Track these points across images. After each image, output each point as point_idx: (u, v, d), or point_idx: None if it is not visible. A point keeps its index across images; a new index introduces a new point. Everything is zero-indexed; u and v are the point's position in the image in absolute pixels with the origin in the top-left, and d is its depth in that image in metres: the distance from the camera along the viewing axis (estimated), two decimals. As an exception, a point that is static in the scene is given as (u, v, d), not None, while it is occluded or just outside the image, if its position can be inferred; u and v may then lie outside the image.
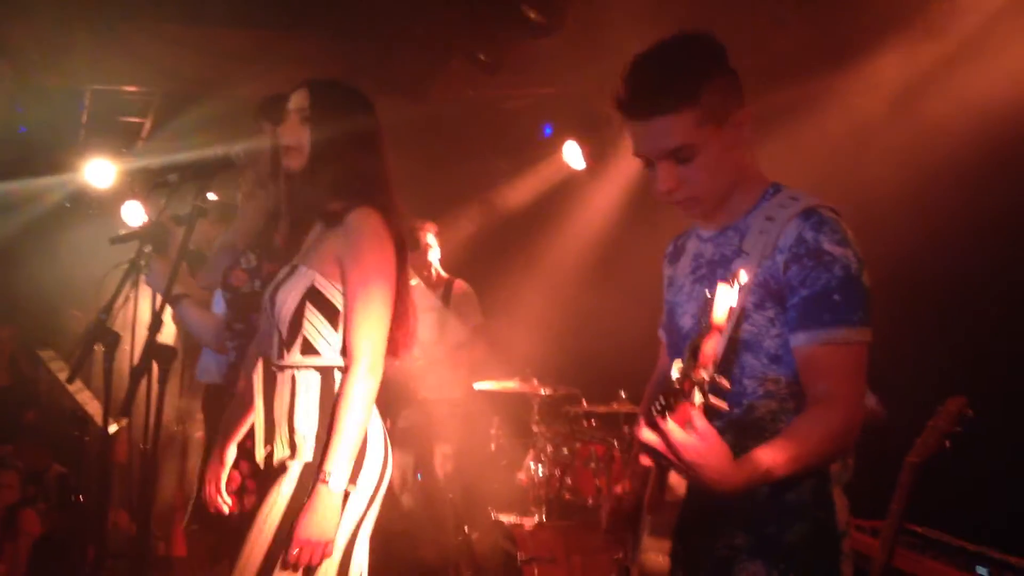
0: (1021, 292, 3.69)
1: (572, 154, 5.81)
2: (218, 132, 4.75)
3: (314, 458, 2.31)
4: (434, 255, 5.36)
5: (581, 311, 5.41)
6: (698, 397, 1.60)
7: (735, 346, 1.88)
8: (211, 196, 2.87)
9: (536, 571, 4.11)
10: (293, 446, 2.36)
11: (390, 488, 5.43)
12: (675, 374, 1.61)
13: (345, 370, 2.34)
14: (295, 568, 2.22)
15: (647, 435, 1.66)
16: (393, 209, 2.47)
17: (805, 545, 1.84)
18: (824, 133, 4.46)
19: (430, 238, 5.34)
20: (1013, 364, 3.66)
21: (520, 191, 6.37)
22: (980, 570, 2.64)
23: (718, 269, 1.96)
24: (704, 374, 1.57)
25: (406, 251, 2.51)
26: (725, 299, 1.64)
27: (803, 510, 1.85)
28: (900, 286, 4.12)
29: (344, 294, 2.38)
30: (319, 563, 2.24)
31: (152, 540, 4.19)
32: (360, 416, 2.28)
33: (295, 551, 2.20)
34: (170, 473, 4.85)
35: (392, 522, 5.43)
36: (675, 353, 1.99)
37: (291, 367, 2.41)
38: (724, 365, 1.88)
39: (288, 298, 2.40)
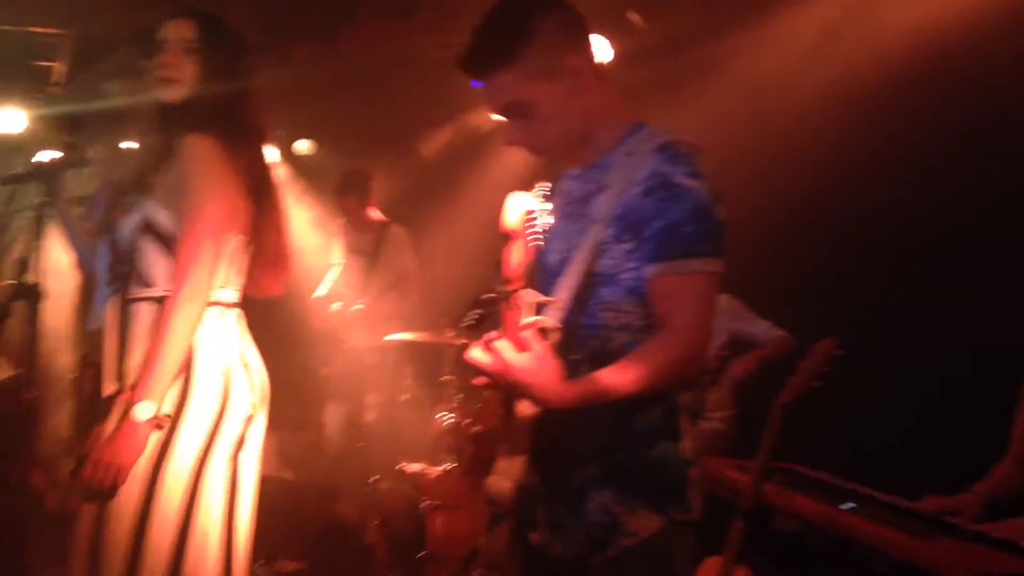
0: (910, 239, 3.78)
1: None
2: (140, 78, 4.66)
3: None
4: (369, 200, 5.32)
5: (499, 262, 5.41)
6: (528, 316, 1.63)
7: (593, 279, 1.91)
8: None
9: (440, 518, 4.12)
10: (122, 379, 2.32)
11: (321, 439, 5.47)
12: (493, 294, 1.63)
13: (167, 299, 2.30)
14: (89, 489, 2.19)
15: (476, 355, 1.69)
16: (241, 140, 2.43)
17: (652, 473, 1.89)
18: (740, 84, 4.51)
19: (367, 183, 5.30)
20: (886, 307, 3.77)
21: (447, 141, 6.34)
22: (847, 505, 2.70)
23: (582, 206, 1.98)
24: (507, 288, 1.60)
25: (266, 185, 2.49)
26: (517, 205, 1.64)
27: (651, 438, 1.89)
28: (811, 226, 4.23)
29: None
30: (109, 487, 2.20)
31: (37, 494, 4.14)
32: (174, 343, 2.24)
33: (86, 470, 2.18)
34: (63, 419, 4.78)
35: (320, 475, 5.50)
36: (544, 290, 2.00)
37: (132, 299, 2.38)
38: (581, 298, 1.92)
39: (126, 230, 2.37)
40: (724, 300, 4.42)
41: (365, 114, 6.17)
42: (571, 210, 2.01)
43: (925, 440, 3.63)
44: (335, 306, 5.26)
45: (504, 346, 1.70)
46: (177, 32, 2.47)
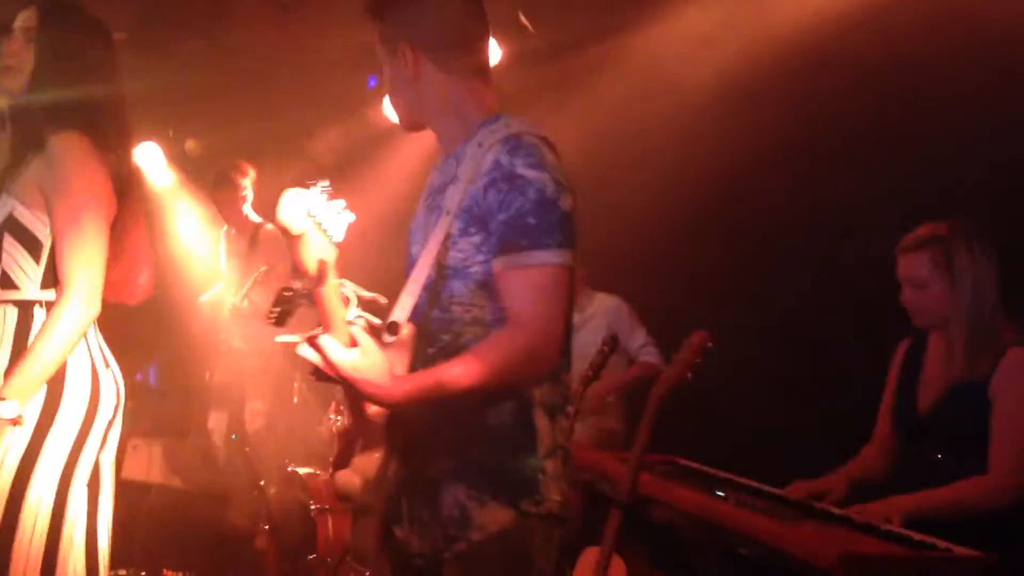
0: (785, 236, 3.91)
1: (390, 108, 5.74)
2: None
3: None
4: (246, 198, 5.23)
5: (391, 266, 5.39)
6: (352, 311, 1.62)
7: (444, 272, 1.90)
8: None
9: (330, 521, 4.08)
10: None
11: (208, 448, 5.35)
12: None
13: (56, 303, 2.24)
14: None
15: (303, 351, 1.67)
16: (109, 137, 2.38)
17: (504, 467, 1.86)
18: (628, 83, 4.59)
19: (243, 180, 5.21)
20: (757, 299, 3.89)
21: (340, 139, 6.28)
22: (719, 493, 2.76)
23: (438, 196, 1.99)
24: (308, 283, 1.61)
25: (131, 184, 2.44)
26: (295, 202, 1.62)
27: (503, 432, 1.87)
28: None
29: (51, 226, 2.28)
30: None
31: None
32: (56, 348, 2.19)
33: None
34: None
35: (209, 483, 5.37)
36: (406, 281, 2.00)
37: None
38: (434, 292, 1.91)
39: None
40: (614, 301, 4.49)
41: (255, 112, 6.06)
42: (430, 201, 2.02)
43: (796, 427, 3.75)
44: (205, 299, 5.19)
45: (328, 342, 1.67)
46: (22, 20, 2.43)
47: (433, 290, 1.91)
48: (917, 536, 2.35)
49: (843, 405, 3.22)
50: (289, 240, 1.60)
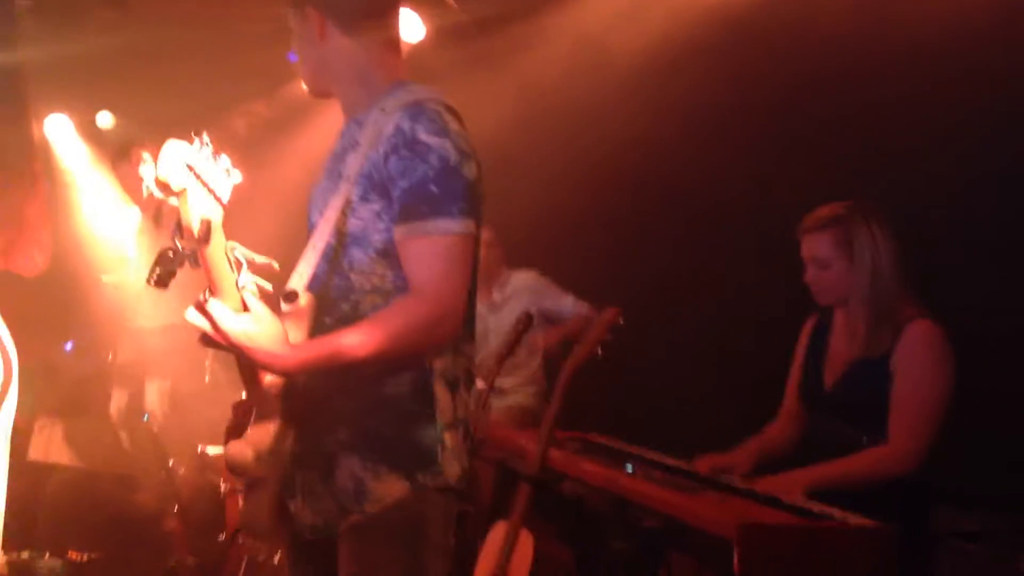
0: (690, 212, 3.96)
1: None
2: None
3: None
4: (148, 174, 5.08)
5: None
6: (244, 276, 1.58)
7: (343, 240, 1.87)
8: None
9: (240, 501, 4.00)
10: None
11: (111, 428, 5.21)
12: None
13: None
14: None
15: (191, 316, 1.62)
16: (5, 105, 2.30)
17: (401, 439, 1.84)
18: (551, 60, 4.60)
19: (145, 155, 5.06)
20: (664, 275, 3.94)
21: (261, 115, 6.16)
22: (628, 467, 2.79)
23: (339, 162, 1.96)
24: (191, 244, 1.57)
25: (25, 154, 2.35)
26: (174, 157, 1.55)
27: (401, 403, 1.84)
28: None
29: None
30: None
31: None
32: None
33: None
34: None
35: (112, 464, 5.23)
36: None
37: None
38: (334, 260, 1.87)
39: None
40: (531, 276, 4.50)
41: (171, 85, 5.89)
42: (331, 167, 1.99)
43: (712, 401, 3.81)
44: (108, 279, 5.07)
45: (216, 307, 1.62)
46: None
47: (332, 258, 1.87)
48: (817, 507, 2.40)
49: (758, 378, 3.25)
50: (168, 196, 1.54)
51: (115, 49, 5.22)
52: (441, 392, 1.87)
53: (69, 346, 5.96)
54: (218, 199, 1.56)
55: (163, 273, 1.55)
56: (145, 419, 5.15)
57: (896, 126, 3.38)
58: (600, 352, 2.80)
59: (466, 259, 1.83)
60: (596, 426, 3.46)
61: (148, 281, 1.56)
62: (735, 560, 2.10)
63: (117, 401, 5.22)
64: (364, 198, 1.85)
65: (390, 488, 1.82)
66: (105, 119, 6.65)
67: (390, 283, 1.85)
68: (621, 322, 2.80)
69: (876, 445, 2.59)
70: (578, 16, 4.39)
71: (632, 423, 3.47)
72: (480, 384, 3.51)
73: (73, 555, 4.40)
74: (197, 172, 1.52)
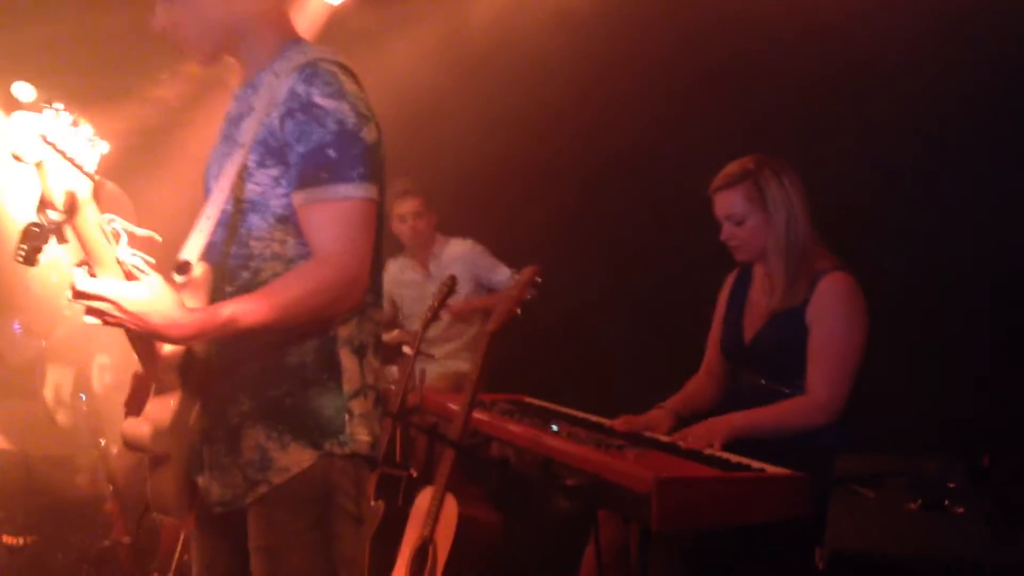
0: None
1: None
2: None
3: None
4: None
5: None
6: (124, 249, 1.54)
7: (241, 207, 1.82)
8: None
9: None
10: None
11: (43, 408, 5.12)
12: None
13: None
14: None
15: (84, 287, 1.56)
16: None
17: (305, 408, 1.81)
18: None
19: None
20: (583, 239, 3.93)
21: (185, 85, 6.01)
22: (553, 427, 2.78)
23: (233, 128, 1.90)
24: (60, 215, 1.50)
25: None
26: (25, 128, 1.50)
27: (305, 372, 1.81)
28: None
29: None
30: None
31: None
32: None
33: None
34: None
35: (48, 446, 5.14)
36: (200, 215, 1.87)
37: None
38: (232, 227, 1.82)
39: None
40: (467, 245, 4.45)
41: (89, 54, 5.70)
42: (226, 132, 1.93)
43: (639, 360, 3.83)
44: (53, 277, 4.95)
45: (103, 280, 1.58)
46: None
47: (230, 225, 1.82)
48: (735, 459, 2.42)
49: (686, 334, 3.26)
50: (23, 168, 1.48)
51: (33, 18, 5.06)
52: (347, 359, 1.84)
53: (17, 327, 5.82)
54: (82, 170, 1.50)
55: (29, 249, 1.49)
56: (82, 397, 5.06)
57: (804, 83, 3.40)
58: (519, 311, 2.78)
59: (369, 224, 1.79)
60: (531, 388, 3.45)
61: (15, 258, 1.50)
62: (651, 514, 2.10)
63: (56, 380, 5.11)
64: (261, 164, 1.80)
65: (296, 457, 1.79)
66: (23, 90, 6.43)
67: (291, 250, 1.82)
68: (539, 280, 2.79)
69: (790, 394, 2.61)
70: None
71: (566, 384, 3.46)
72: (407, 350, 3.50)
73: (8, 539, 4.33)
74: (53, 143, 1.46)
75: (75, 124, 1.49)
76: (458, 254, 4.43)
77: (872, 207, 3.28)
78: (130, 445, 1.76)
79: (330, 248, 1.74)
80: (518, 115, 4.27)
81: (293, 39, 1.91)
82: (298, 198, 1.77)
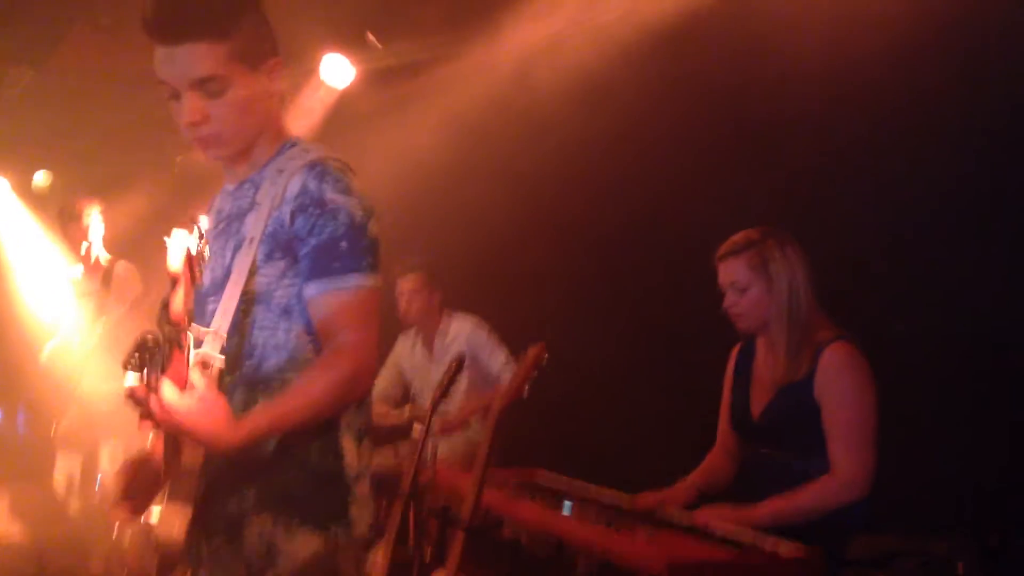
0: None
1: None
2: None
3: None
4: (96, 234, 5.02)
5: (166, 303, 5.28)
6: (192, 355, 1.55)
7: (248, 299, 1.85)
8: None
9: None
10: None
11: (54, 495, 5.11)
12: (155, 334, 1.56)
13: None
14: None
15: (139, 396, 1.59)
16: None
17: (312, 494, 1.82)
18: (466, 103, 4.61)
19: (92, 215, 4.99)
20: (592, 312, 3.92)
21: (193, 167, 6.11)
22: (565, 506, 2.74)
23: (234, 223, 1.92)
24: (175, 330, 1.52)
25: None
26: (178, 245, 1.57)
27: (310, 459, 1.83)
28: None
29: None
30: None
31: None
32: None
33: None
34: None
35: (60, 532, 5.10)
36: (199, 312, 1.93)
37: None
38: (237, 319, 1.83)
39: None
40: (471, 323, 4.42)
41: (105, 139, 5.83)
42: (223, 228, 1.94)
43: (653, 434, 3.78)
44: (50, 346, 4.98)
45: (166, 388, 1.60)
46: None
47: (239, 317, 1.83)
48: (750, 536, 2.37)
49: (700, 407, 3.23)
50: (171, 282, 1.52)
51: (41, 107, 5.18)
52: (348, 445, 1.87)
53: (20, 416, 5.85)
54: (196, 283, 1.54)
55: (142, 358, 1.53)
56: (97, 483, 5.04)
57: (816, 151, 3.42)
58: (527, 391, 2.76)
59: (376, 312, 1.86)
60: (547, 459, 3.41)
61: (126, 367, 1.54)
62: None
63: (66, 468, 5.10)
64: (269, 257, 1.84)
65: (304, 544, 1.80)
66: (42, 178, 6.56)
67: (293, 340, 1.85)
68: (546, 358, 2.78)
69: (808, 470, 2.56)
70: (501, 52, 4.40)
71: (579, 457, 3.42)
72: (417, 429, 3.47)
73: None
74: (192, 259, 1.50)
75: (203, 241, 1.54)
76: (462, 333, 4.41)
77: (885, 273, 3.26)
78: (160, 547, 1.77)
79: (344, 336, 1.79)
80: (527, 186, 4.32)
81: (289, 139, 1.97)
82: (311, 288, 1.82)
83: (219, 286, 1.85)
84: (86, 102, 5.10)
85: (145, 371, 1.57)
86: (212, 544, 1.84)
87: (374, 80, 5.08)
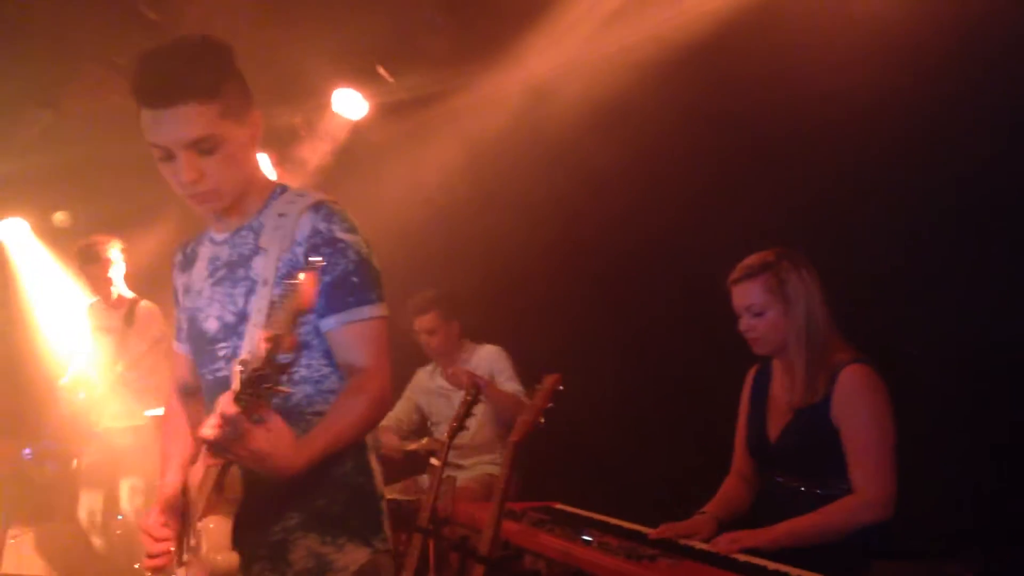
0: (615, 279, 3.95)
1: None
2: None
3: None
4: (117, 272, 5.06)
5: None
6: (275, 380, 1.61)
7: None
8: None
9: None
10: None
11: (78, 532, 5.11)
12: (249, 364, 1.60)
13: None
14: None
15: (213, 431, 1.66)
16: None
17: (351, 512, 1.97)
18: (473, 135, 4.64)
19: (112, 253, 5.03)
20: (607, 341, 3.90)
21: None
22: (586, 537, 2.71)
23: (237, 269, 2.01)
24: (285, 357, 1.59)
25: None
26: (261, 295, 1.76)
27: (347, 479, 1.97)
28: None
29: None
30: None
31: None
32: None
33: None
34: None
35: (85, 570, 5.11)
36: (204, 358, 2.04)
37: None
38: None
39: None
40: (490, 354, 4.40)
41: (122, 178, 5.88)
42: (224, 275, 2.01)
43: (663, 458, 3.75)
44: (80, 395, 4.98)
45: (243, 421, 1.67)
46: None
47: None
48: (772, 566, 2.33)
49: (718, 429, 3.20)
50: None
51: (59, 149, 5.24)
52: (374, 463, 2.03)
53: (27, 452, 5.86)
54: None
55: (257, 395, 1.62)
56: (119, 519, 5.05)
57: (828, 173, 3.41)
58: (543, 421, 2.75)
59: (387, 339, 1.99)
60: (563, 493, 3.39)
61: (236, 405, 1.63)
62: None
63: (88, 504, 5.11)
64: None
65: (354, 556, 1.94)
66: (61, 218, 6.62)
67: (316, 372, 1.97)
68: (561, 388, 2.76)
69: (824, 499, 2.53)
70: (512, 82, 4.43)
71: (596, 489, 3.39)
72: (435, 461, 3.45)
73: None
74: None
75: None
76: (483, 363, 4.39)
77: (900, 295, 3.23)
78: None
79: (363, 363, 1.92)
80: (540, 214, 4.33)
81: (278, 185, 2.07)
82: (329, 322, 1.94)
83: (232, 330, 1.97)
84: (102, 140, 5.14)
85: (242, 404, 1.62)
86: (252, 571, 1.91)
87: (387, 112, 5.11)
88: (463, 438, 4.00)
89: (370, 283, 1.96)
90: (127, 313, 5.06)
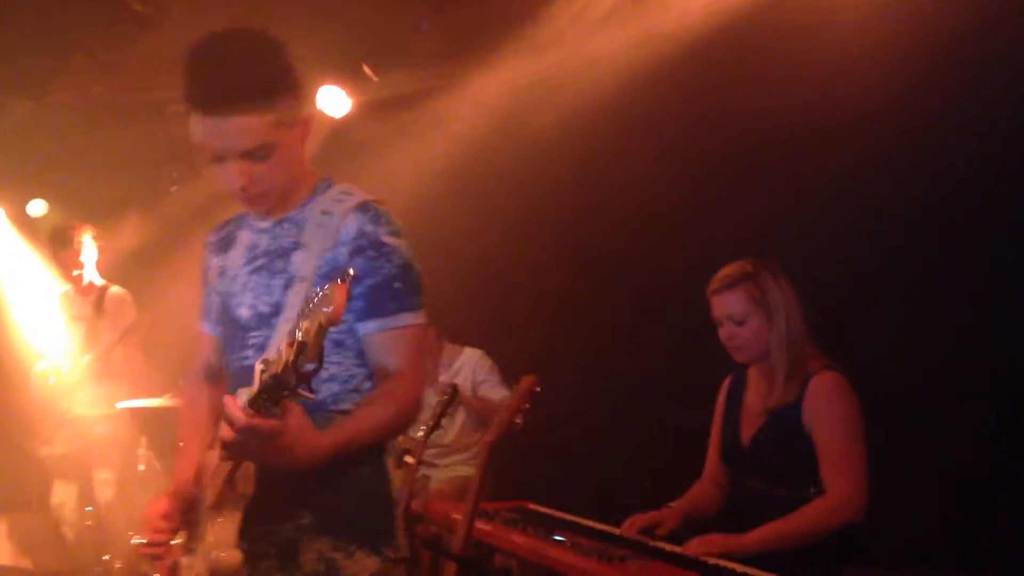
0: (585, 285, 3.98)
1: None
2: None
3: None
4: (89, 257, 5.02)
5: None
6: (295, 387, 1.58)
7: None
8: None
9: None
10: None
11: (51, 523, 5.06)
12: (270, 367, 1.54)
13: None
14: None
15: (232, 429, 1.60)
16: None
17: (366, 515, 1.94)
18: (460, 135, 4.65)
19: (85, 239, 4.99)
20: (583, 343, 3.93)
21: (187, 197, 6.12)
22: (557, 537, 2.74)
23: (276, 260, 1.99)
24: (310, 365, 1.51)
25: None
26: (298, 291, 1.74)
27: (364, 483, 1.94)
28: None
29: None
30: None
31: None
32: None
33: None
34: None
35: (54, 560, 5.07)
36: (234, 344, 2.02)
37: None
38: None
39: None
40: (473, 358, 4.41)
41: (100, 170, 5.85)
42: (262, 264, 1.99)
43: (636, 462, 3.78)
44: (52, 380, 4.94)
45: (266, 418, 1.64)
46: None
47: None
48: (741, 569, 2.37)
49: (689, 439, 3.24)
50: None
51: (37, 136, 5.20)
52: (392, 468, 2.00)
53: None
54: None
55: (272, 400, 1.59)
56: (88, 510, 5.02)
57: (804, 181, 3.45)
58: (520, 422, 2.77)
59: (423, 346, 2.02)
60: (535, 493, 3.41)
61: (251, 408, 1.59)
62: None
63: (61, 494, 5.07)
64: None
65: (363, 564, 1.90)
66: (37, 207, 6.56)
67: (346, 371, 1.95)
68: (538, 390, 2.79)
69: (799, 496, 2.57)
70: (497, 84, 4.45)
71: (569, 491, 3.42)
72: (410, 459, 3.47)
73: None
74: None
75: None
76: (466, 367, 4.39)
77: (875, 304, 3.28)
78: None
79: (397, 367, 1.92)
80: (522, 217, 4.35)
81: (322, 178, 2.04)
82: (368, 326, 1.93)
83: (264, 320, 1.95)
84: (82, 132, 5.13)
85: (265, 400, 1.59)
86: (259, 568, 1.90)
87: (370, 111, 5.12)
88: (438, 437, 4.02)
89: (412, 289, 1.95)
90: (96, 300, 5.02)
